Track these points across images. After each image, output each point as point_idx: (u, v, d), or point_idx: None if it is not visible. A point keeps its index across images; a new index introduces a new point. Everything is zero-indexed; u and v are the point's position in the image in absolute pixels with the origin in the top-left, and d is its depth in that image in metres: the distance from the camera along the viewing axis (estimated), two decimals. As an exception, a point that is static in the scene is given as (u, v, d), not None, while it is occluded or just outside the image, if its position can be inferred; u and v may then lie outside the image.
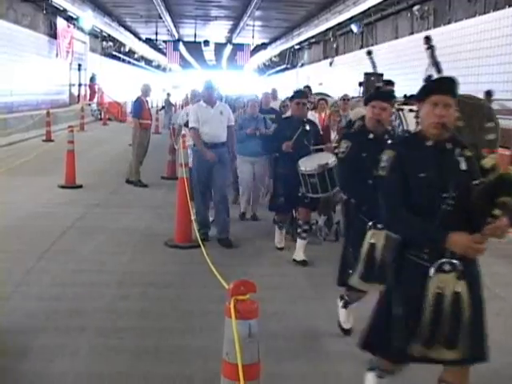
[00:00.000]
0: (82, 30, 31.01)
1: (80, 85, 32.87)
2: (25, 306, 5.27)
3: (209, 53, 50.28)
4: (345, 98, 10.54)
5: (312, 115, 9.42)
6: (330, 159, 6.50)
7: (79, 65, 32.37)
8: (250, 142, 8.72)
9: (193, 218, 7.42)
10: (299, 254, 6.97)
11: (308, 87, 13.08)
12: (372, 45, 25.96)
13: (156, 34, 39.42)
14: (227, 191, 8.27)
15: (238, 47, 42.27)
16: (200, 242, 6.35)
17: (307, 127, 7.10)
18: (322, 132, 7.99)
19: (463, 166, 3.04)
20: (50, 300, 5.44)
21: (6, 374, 3.99)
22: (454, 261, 2.96)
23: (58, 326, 4.87)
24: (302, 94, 7.49)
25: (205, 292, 5.79)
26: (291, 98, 7.40)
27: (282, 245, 7.58)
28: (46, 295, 5.57)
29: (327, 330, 5.03)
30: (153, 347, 4.54)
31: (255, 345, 2.47)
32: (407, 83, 19.98)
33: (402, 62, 21.51)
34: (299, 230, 7.06)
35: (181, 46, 43.07)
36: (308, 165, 6.57)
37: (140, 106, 12.10)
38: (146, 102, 12.47)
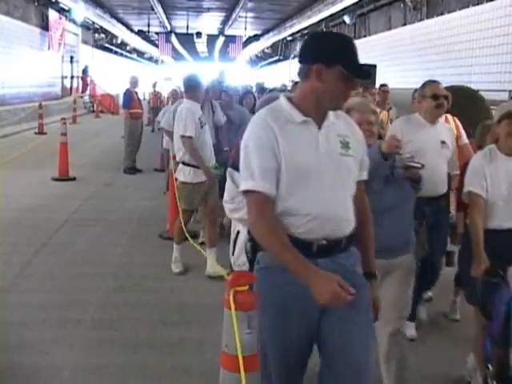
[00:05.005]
0: (73, 21, 30.81)
1: (72, 77, 32.68)
2: (22, 298, 5.29)
3: (201, 45, 50.03)
4: None
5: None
6: None
7: (71, 57, 32.18)
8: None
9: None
10: None
11: None
12: (365, 36, 25.92)
13: (148, 25, 39.19)
14: None
15: (231, 39, 42.17)
16: (188, 237, 5.91)
17: None
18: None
19: None
20: (46, 292, 5.45)
21: (3, 367, 3.98)
22: None
23: (54, 319, 4.87)
24: None
25: (200, 284, 5.79)
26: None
27: None
28: (43, 287, 5.58)
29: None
30: (148, 339, 4.54)
31: (254, 336, 2.46)
32: (400, 74, 20.04)
33: (395, 53, 21.50)
34: None
35: (173, 38, 42.86)
36: None
37: (129, 97, 12.65)
38: (136, 93, 12.93)
